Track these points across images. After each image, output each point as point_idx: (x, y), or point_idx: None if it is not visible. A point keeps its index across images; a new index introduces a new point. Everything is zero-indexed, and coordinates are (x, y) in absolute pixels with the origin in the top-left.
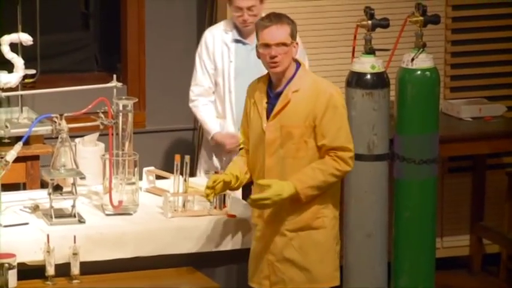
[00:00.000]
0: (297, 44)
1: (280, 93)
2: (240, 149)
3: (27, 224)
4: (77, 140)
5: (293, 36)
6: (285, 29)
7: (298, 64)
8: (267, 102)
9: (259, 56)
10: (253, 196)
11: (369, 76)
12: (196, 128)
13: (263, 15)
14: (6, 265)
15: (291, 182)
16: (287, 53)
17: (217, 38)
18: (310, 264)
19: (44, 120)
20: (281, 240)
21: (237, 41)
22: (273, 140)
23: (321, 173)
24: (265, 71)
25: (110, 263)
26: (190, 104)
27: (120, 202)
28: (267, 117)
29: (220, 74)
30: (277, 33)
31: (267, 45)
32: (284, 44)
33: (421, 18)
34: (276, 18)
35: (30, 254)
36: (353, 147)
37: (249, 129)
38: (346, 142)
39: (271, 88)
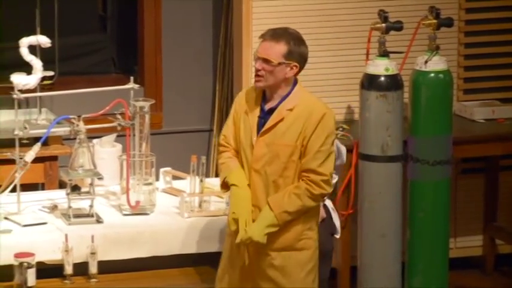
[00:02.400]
0: (295, 66)
1: (273, 109)
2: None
3: (45, 223)
4: (95, 141)
5: (288, 56)
6: (280, 47)
7: (295, 82)
8: (258, 116)
9: None
10: (242, 238)
11: (383, 78)
12: (212, 129)
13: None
14: (25, 264)
15: (268, 207)
16: (272, 71)
17: None
18: (292, 284)
19: (62, 121)
20: (264, 259)
21: None
22: (261, 156)
23: (297, 197)
24: None
25: (127, 262)
26: None
27: (138, 202)
28: (257, 132)
29: None
30: (268, 49)
31: (257, 58)
32: (270, 62)
33: (435, 21)
34: (275, 34)
35: (48, 253)
36: (327, 171)
37: (239, 139)
38: (318, 166)
39: (265, 102)
